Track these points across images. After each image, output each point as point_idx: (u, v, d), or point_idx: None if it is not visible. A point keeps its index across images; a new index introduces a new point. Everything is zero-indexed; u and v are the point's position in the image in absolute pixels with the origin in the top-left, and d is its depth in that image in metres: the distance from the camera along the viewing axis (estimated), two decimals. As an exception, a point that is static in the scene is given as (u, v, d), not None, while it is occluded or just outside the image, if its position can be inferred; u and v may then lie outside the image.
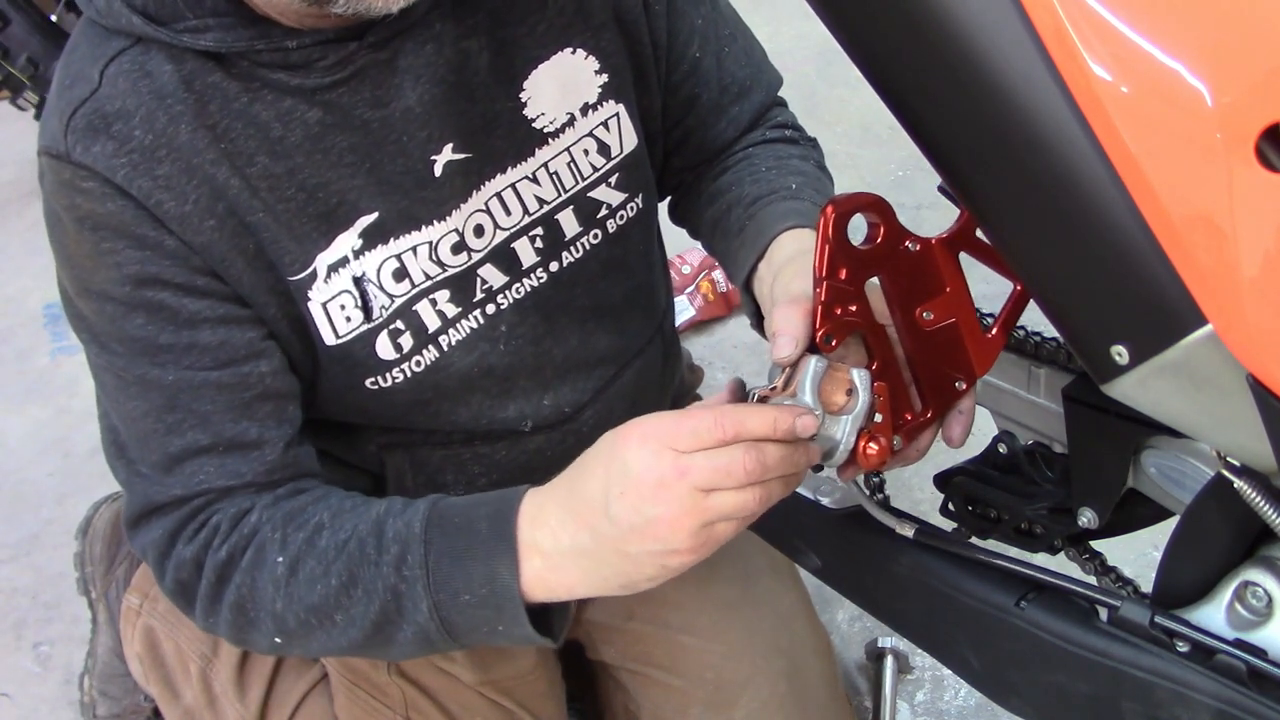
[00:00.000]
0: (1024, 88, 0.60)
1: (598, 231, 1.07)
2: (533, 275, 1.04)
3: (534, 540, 0.83)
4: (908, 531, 0.83)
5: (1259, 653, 0.68)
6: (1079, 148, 0.60)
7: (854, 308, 0.78)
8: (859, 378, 0.78)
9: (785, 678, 1.20)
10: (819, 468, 0.84)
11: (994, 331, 0.83)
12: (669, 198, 1.23)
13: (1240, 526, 0.70)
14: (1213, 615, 0.72)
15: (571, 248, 1.05)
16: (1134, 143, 0.58)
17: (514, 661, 1.21)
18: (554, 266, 1.05)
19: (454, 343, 1.01)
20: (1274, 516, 0.65)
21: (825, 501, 0.90)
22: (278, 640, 0.91)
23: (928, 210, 2.31)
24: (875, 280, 0.79)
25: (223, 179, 0.90)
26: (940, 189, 0.74)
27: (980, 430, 0.85)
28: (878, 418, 0.79)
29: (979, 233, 0.79)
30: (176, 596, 0.94)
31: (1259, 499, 0.66)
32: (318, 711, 1.21)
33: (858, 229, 0.77)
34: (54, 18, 2.24)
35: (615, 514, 0.77)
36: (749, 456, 0.74)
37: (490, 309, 1.03)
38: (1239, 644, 0.69)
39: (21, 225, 2.52)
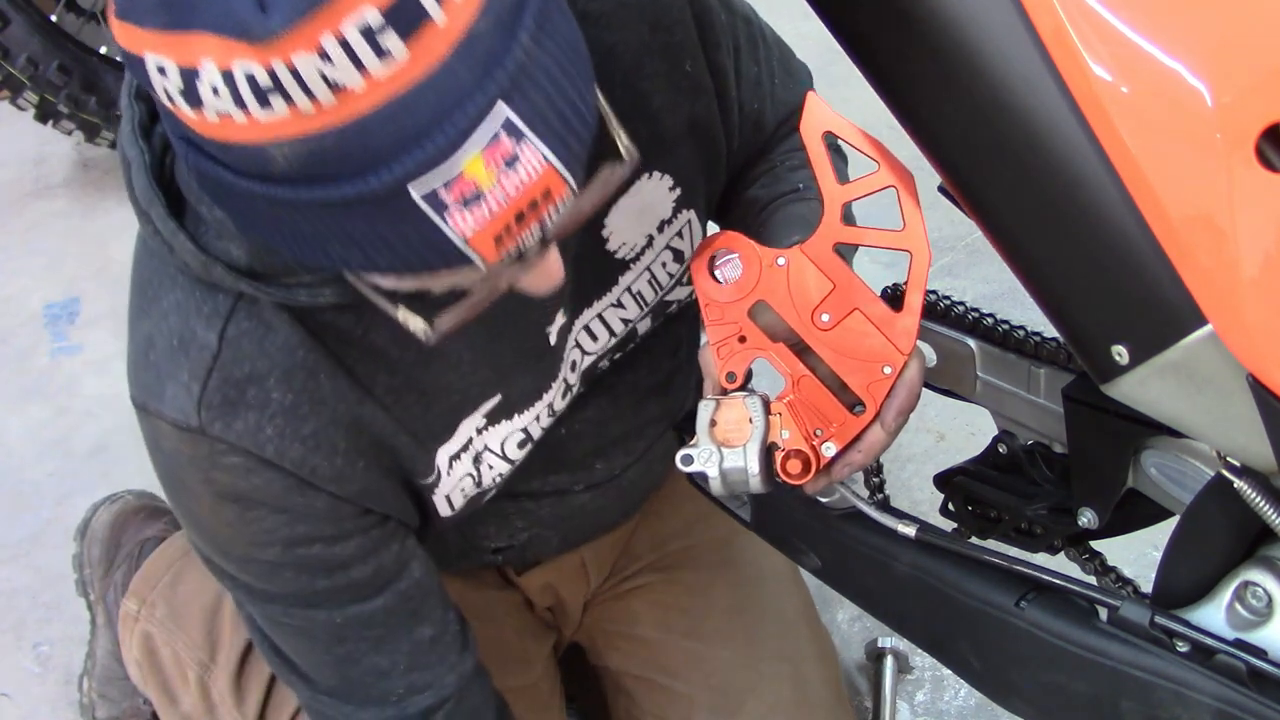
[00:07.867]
0: (1024, 88, 0.60)
1: (664, 320, 1.05)
2: (599, 365, 1.03)
3: None
4: (909, 532, 0.83)
5: (1259, 653, 0.68)
6: (1079, 148, 0.60)
7: (743, 339, 0.82)
8: (751, 405, 0.81)
9: (789, 683, 1.20)
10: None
11: (903, 306, 0.80)
12: None
13: (1240, 526, 0.70)
14: (1213, 615, 0.72)
15: (641, 340, 1.05)
16: (1134, 143, 0.58)
17: (528, 670, 1.21)
18: (618, 356, 1.04)
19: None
20: (1274, 516, 0.65)
21: (825, 501, 0.90)
22: None
23: (927, 210, 2.29)
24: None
25: (365, 414, 0.85)
26: (940, 189, 0.74)
27: (980, 430, 0.85)
28: (785, 434, 0.80)
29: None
30: None
31: (1259, 499, 0.66)
32: (318, 718, 1.21)
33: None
34: (54, 18, 2.23)
35: None
36: None
37: (560, 407, 1.01)
38: (1239, 644, 0.69)
39: (21, 225, 2.50)
